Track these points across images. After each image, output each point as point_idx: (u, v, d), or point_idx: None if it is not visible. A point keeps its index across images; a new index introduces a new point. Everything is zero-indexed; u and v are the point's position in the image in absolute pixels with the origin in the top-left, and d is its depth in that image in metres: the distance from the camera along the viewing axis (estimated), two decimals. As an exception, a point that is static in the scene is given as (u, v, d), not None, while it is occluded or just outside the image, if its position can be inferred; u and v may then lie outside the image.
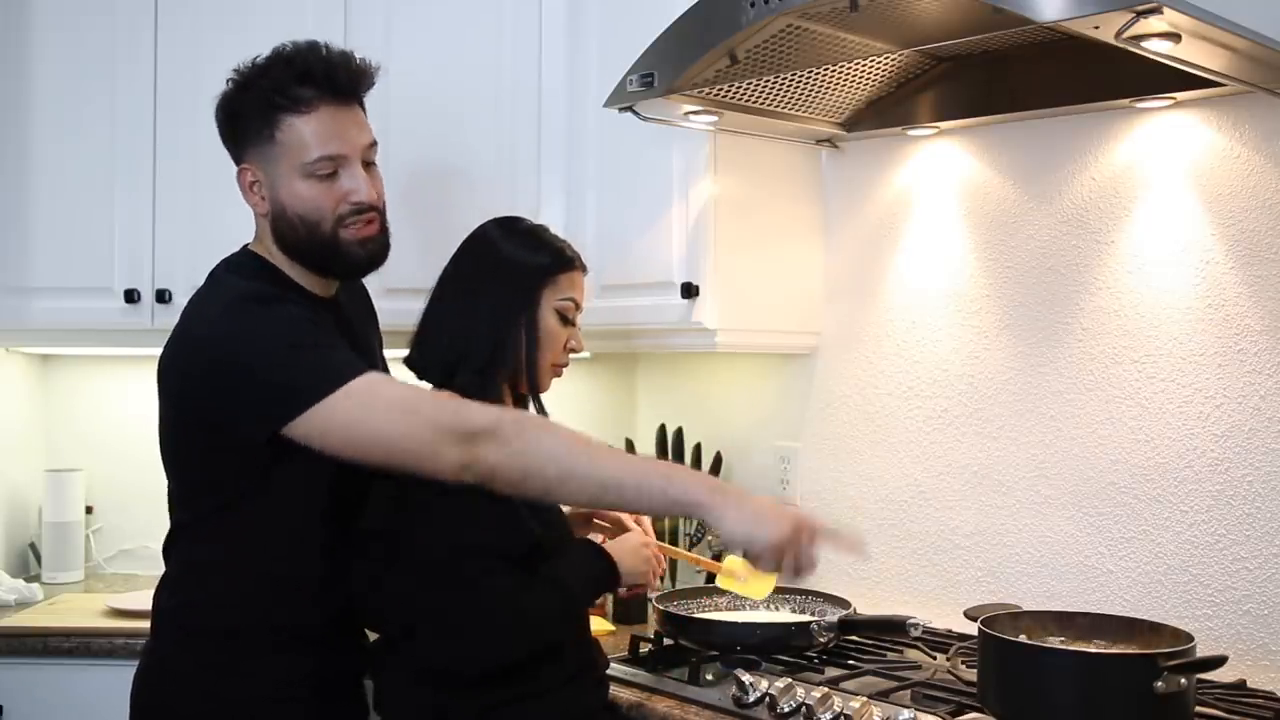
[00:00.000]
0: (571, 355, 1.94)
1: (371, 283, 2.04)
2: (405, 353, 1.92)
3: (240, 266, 1.84)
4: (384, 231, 1.86)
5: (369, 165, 1.84)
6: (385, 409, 1.61)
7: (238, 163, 1.84)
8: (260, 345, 1.67)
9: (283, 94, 1.76)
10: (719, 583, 2.04)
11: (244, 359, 1.66)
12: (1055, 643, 1.78)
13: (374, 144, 1.85)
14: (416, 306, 1.92)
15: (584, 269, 1.94)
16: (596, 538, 2.33)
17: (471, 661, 1.72)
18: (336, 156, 1.78)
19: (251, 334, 1.68)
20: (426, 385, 1.89)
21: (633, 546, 1.90)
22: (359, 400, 1.61)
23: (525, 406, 1.90)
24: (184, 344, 1.76)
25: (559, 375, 1.93)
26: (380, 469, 1.65)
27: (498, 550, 1.73)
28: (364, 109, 1.86)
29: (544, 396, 1.94)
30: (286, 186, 1.78)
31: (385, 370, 2.05)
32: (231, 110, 1.82)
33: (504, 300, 1.84)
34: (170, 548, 1.85)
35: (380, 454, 1.62)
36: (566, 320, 1.89)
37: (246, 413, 1.67)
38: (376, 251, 1.85)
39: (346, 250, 1.81)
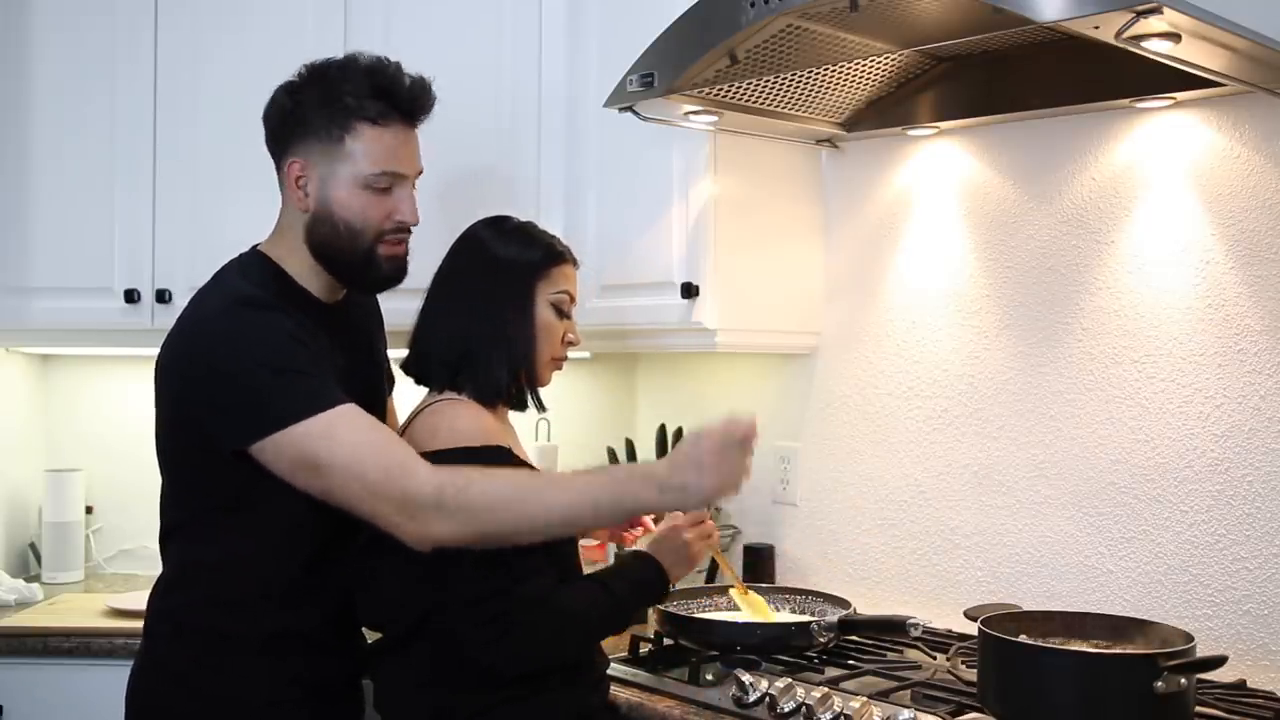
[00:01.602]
0: (570, 349, 1.94)
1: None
2: (403, 353, 1.93)
3: (247, 268, 1.84)
4: (408, 253, 1.88)
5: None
6: (341, 457, 1.64)
7: (286, 154, 1.83)
8: (245, 358, 1.67)
9: (361, 102, 1.78)
10: (733, 595, 2.15)
11: (227, 368, 1.68)
12: (1055, 643, 1.78)
13: (422, 171, 1.89)
14: (411, 305, 1.93)
15: (575, 262, 1.95)
16: (590, 541, 2.35)
17: (517, 660, 1.72)
18: (396, 175, 1.81)
19: (240, 343, 1.69)
20: (422, 390, 1.90)
21: (673, 546, 1.90)
22: (321, 436, 1.63)
23: (526, 402, 1.90)
24: (178, 343, 1.77)
25: (559, 369, 1.94)
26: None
27: (530, 550, 1.73)
28: None
29: (545, 393, 1.94)
30: (340, 191, 1.80)
31: (387, 377, 2.04)
32: (297, 102, 1.82)
33: (499, 298, 1.85)
34: (164, 547, 1.85)
35: (330, 498, 1.66)
36: (562, 313, 1.91)
37: (218, 422, 1.68)
38: (400, 271, 1.88)
39: (378, 265, 1.83)
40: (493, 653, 1.71)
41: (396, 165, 1.81)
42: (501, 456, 1.75)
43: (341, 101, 1.78)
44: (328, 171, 1.80)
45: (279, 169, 1.85)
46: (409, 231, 1.86)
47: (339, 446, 1.63)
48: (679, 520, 1.93)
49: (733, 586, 2.17)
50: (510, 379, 1.85)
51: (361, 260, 1.82)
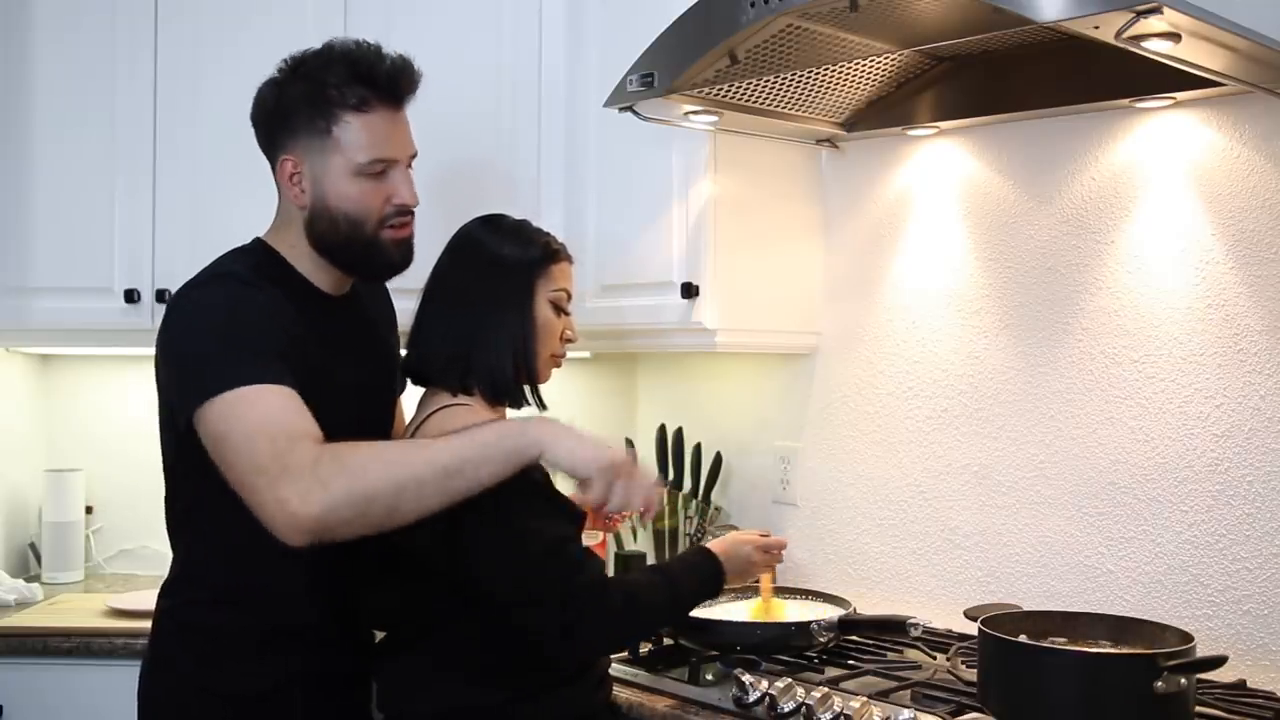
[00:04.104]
0: (568, 347, 1.95)
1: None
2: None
3: (244, 252, 1.85)
4: (413, 235, 1.88)
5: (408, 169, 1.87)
6: (241, 430, 1.57)
7: (278, 151, 1.82)
8: (196, 329, 1.69)
9: (343, 91, 1.77)
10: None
11: (181, 339, 1.70)
12: (1055, 643, 1.78)
13: (416, 153, 1.88)
14: (408, 305, 1.93)
15: (570, 259, 1.95)
16: (591, 540, 2.35)
17: (590, 646, 1.74)
18: (389, 160, 1.80)
19: (196, 315, 1.71)
20: (420, 390, 1.90)
21: (739, 554, 1.95)
22: (235, 407, 1.58)
23: (526, 400, 1.90)
24: (163, 319, 1.79)
25: (558, 365, 1.94)
26: None
27: (572, 538, 1.74)
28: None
29: (545, 392, 1.94)
30: (335, 183, 1.79)
31: (400, 377, 2.02)
32: (280, 99, 1.81)
33: (500, 298, 1.85)
34: (171, 544, 1.86)
35: (228, 478, 1.59)
36: (560, 310, 1.91)
37: (173, 394, 1.70)
38: (408, 254, 1.87)
39: (385, 250, 1.83)
40: (566, 642, 1.71)
41: (387, 150, 1.80)
42: None
43: (324, 93, 1.77)
44: (320, 165, 1.79)
45: (273, 166, 1.85)
46: (411, 214, 1.86)
47: (242, 422, 1.58)
48: (750, 535, 2.02)
49: (759, 596, 2.17)
50: (513, 377, 1.86)
51: (364, 249, 1.82)
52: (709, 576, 1.89)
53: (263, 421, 1.58)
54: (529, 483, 1.70)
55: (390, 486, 1.54)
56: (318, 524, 1.52)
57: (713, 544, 1.95)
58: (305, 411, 1.61)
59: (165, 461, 1.82)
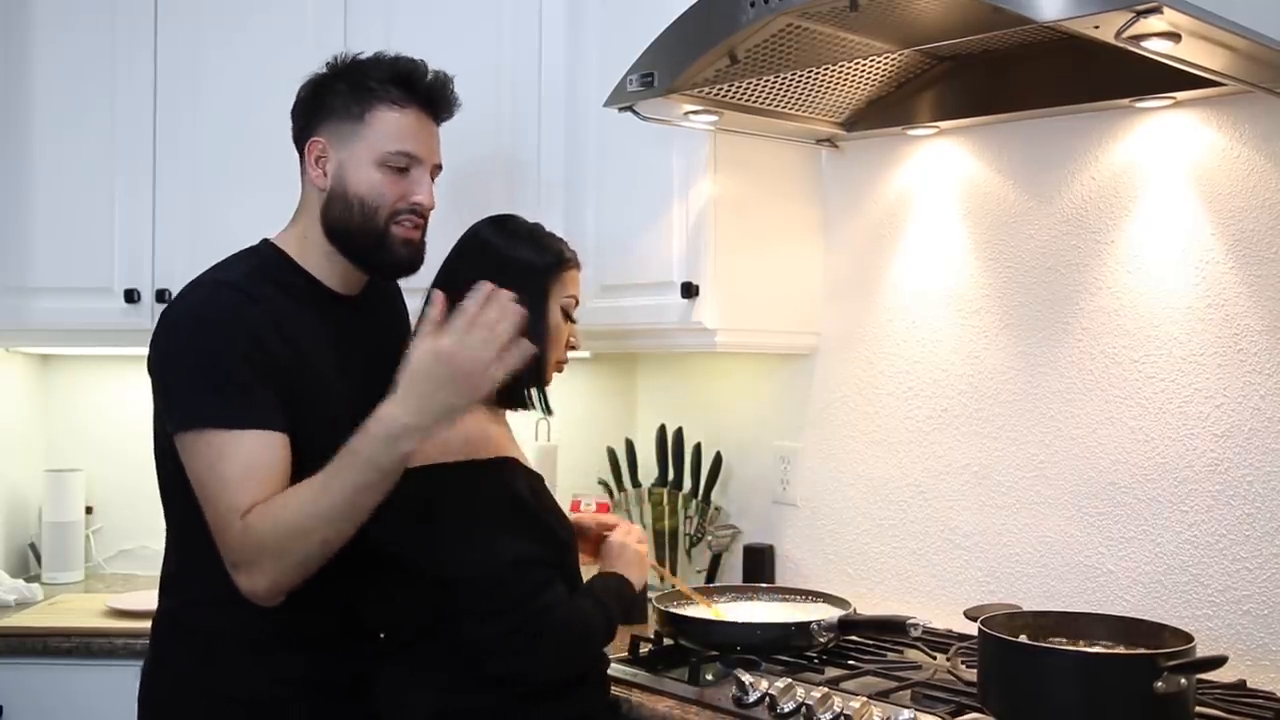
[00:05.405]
0: (570, 353, 1.94)
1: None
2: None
3: (247, 255, 1.86)
4: (424, 242, 1.91)
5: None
6: (211, 485, 1.66)
7: (309, 134, 1.87)
8: (187, 345, 1.72)
9: (383, 86, 1.84)
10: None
11: (171, 350, 1.73)
12: (1055, 643, 1.78)
13: (440, 167, 1.93)
14: (418, 305, 1.92)
15: (579, 267, 1.95)
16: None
17: (544, 669, 1.73)
18: (414, 156, 1.85)
19: (188, 330, 1.73)
20: None
21: (621, 556, 1.92)
22: (209, 453, 1.66)
23: (533, 404, 1.90)
24: (156, 323, 1.81)
25: (560, 371, 1.94)
26: None
27: (544, 560, 1.74)
28: None
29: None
30: (357, 169, 1.83)
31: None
32: (320, 86, 1.88)
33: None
34: (168, 540, 1.86)
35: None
36: (569, 317, 1.91)
37: (161, 405, 1.75)
38: (415, 257, 1.90)
39: (391, 246, 1.86)
40: (519, 662, 1.71)
41: (413, 147, 1.85)
42: (510, 468, 1.76)
43: (364, 85, 1.85)
44: (346, 151, 1.84)
45: (301, 154, 1.88)
46: (424, 218, 1.89)
47: (212, 477, 1.65)
48: (614, 535, 1.97)
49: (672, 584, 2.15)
50: (525, 382, 1.85)
51: (374, 240, 1.85)
52: (620, 589, 1.88)
53: (222, 488, 1.65)
54: (510, 499, 1.70)
55: (313, 544, 1.62)
56: (270, 595, 1.65)
57: (607, 563, 1.93)
58: (262, 461, 1.67)
59: (158, 460, 1.82)
